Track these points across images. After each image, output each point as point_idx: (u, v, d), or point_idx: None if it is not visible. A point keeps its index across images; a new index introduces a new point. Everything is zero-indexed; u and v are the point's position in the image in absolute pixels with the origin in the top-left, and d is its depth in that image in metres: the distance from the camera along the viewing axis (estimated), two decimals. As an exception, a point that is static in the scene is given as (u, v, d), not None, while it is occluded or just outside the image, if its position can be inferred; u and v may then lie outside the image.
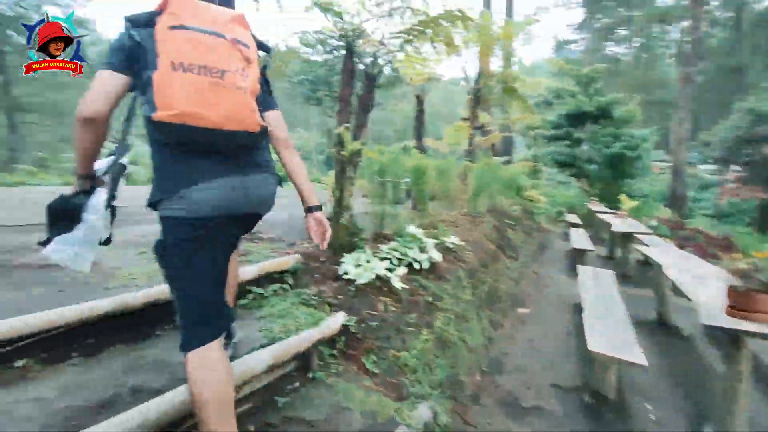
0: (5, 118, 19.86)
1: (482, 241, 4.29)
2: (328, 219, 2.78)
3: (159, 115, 0.95)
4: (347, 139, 2.55)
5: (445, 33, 2.59)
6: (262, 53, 1.21)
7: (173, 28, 0.98)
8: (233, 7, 1.22)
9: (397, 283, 2.46)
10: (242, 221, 1.19)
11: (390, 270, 2.55)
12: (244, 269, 2.15)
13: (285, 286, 2.26)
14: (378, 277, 2.42)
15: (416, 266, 2.80)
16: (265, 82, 1.24)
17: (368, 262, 2.51)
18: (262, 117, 1.15)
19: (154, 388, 1.34)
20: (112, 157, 1.16)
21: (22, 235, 2.83)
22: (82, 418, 1.17)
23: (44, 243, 1.11)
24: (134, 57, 1.01)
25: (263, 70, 1.20)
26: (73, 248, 1.11)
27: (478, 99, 6.30)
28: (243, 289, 2.07)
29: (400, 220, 3.32)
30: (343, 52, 2.78)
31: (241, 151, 1.12)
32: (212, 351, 1.06)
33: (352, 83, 2.70)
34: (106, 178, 1.14)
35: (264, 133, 1.14)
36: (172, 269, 1.10)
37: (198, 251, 1.08)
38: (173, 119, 0.96)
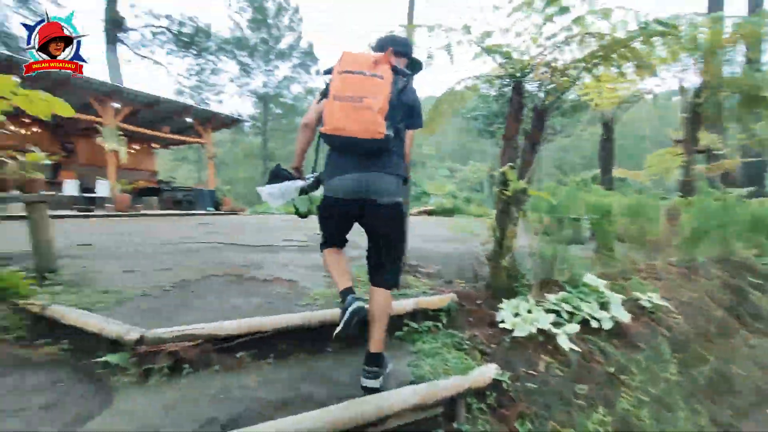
0: (263, 164, 27.88)
1: (702, 303, 3.22)
2: (488, 260, 2.69)
3: (323, 129, 1.53)
4: (512, 178, 2.43)
5: (637, 54, 2.17)
6: (402, 79, 1.62)
7: (340, 72, 1.53)
8: (383, 50, 1.65)
9: (565, 343, 2.11)
10: (362, 203, 1.64)
11: (557, 325, 2.22)
12: (401, 302, 2.29)
13: (438, 324, 2.27)
14: (540, 331, 2.14)
15: (593, 325, 2.34)
16: (409, 105, 1.67)
17: (530, 312, 2.26)
18: (403, 134, 1.69)
19: (319, 399, 1.56)
20: (315, 173, 1.86)
21: (256, 254, 3.86)
22: (267, 411, 1.46)
23: (264, 185, 1.86)
24: (327, 91, 1.58)
25: (401, 93, 1.60)
26: (270, 192, 1.82)
27: (698, 116, 4.95)
28: (400, 322, 2.19)
29: (574, 266, 2.87)
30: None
31: (372, 154, 1.59)
32: (329, 252, 1.81)
33: (519, 120, 2.58)
34: (308, 180, 1.86)
35: (389, 140, 1.53)
36: (319, 217, 1.80)
37: (329, 213, 1.75)
38: (329, 131, 1.52)
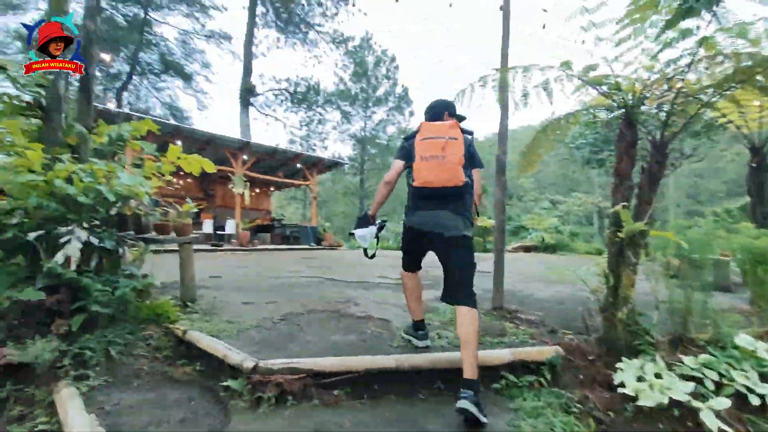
0: (359, 201, 29.71)
1: None
2: (600, 310, 2.37)
3: (415, 183, 2.01)
4: (626, 219, 2.16)
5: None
6: (468, 136, 2.09)
7: (422, 139, 2.02)
8: (443, 119, 2.20)
9: (712, 421, 1.69)
10: (432, 235, 2.04)
11: (698, 397, 1.81)
12: (497, 351, 2.15)
13: (541, 380, 2.05)
14: (674, 402, 1.77)
15: (754, 401, 1.84)
16: (472, 154, 2.11)
17: (658, 376, 1.90)
18: (470, 172, 2.08)
19: (409, 449, 1.53)
20: (381, 222, 2.31)
21: (352, 290, 4.06)
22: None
23: (354, 229, 2.29)
24: (407, 153, 2.11)
25: (469, 147, 2.07)
26: (362, 235, 2.24)
27: None
28: (496, 373, 2.05)
29: (719, 321, 2.34)
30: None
31: (449, 199, 1.99)
32: (406, 274, 2.34)
33: (632, 154, 2.32)
34: (377, 225, 2.28)
35: (467, 185, 1.99)
36: (402, 239, 2.33)
37: (407, 239, 2.26)
38: (420, 185, 1.99)
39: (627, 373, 1.96)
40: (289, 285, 4.30)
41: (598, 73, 2.31)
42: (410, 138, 2.11)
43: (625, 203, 2.14)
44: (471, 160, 2.10)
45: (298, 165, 13.98)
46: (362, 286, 4.37)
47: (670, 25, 1.86)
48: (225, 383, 1.87)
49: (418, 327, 2.31)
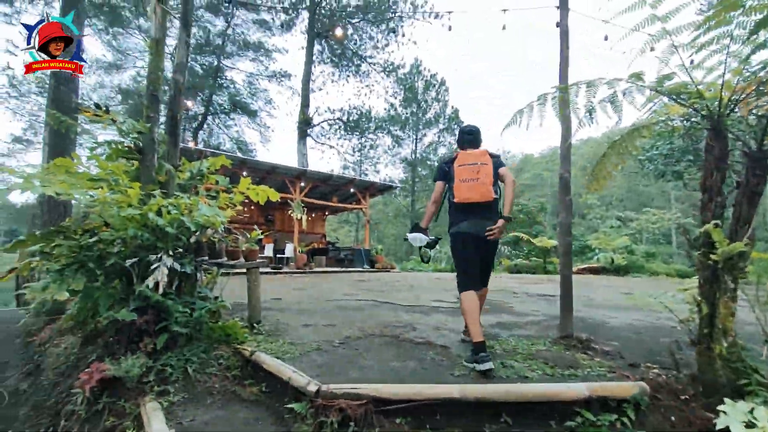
0: (410, 223, 29.70)
1: None
2: (692, 342, 2.09)
3: (455, 200, 2.53)
4: (719, 240, 1.92)
5: None
6: (495, 159, 2.57)
7: (459, 166, 2.55)
8: (479, 146, 2.73)
9: None
10: (479, 239, 2.50)
11: (832, 453, 1.49)
12: (571, 385, 1.97)
13: (624, 420, 1.84)
14: (802, 458, 1.48)
15: None
16: (497, 165, 2.55)
17: (775, 425, 1.61)
18: (498, 171, 2.54)
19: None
20: (435, 237, 2.78)
21: (409, 314, 4.01)
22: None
23: (408, 233, 2.75)
24: (446, 175, 2.66)
25: (496, 163, 2.56)
26: (414, 237, 2.69)
27: None
28: (569, 409, 1.88)
29: None
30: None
31: (484, 209, 2.51)
32: (468, 294, 2.45)
33: (722, 168, 2.08)
34: (431, 238, 2.74)
35: (497, 200, 2.55)
36: (454, 257, 2.67)
37: (460, 248, 2.57)
38: (460, 201, 2.52)
39: (732, 418, 1.69)
40: (346, 308, 4.37)
41: (675, 82, 2.14)
42: (448, 163, 2.65)
43: (717, 221, 1.91)
44: (499, 164, 2.56)
45: (352, 189, 14.45)
46: (419, 310, 4.30)
47: (762, 25, 1.68)
48: (289, 405, 1.92)
49: (479, 349, 2.24)
